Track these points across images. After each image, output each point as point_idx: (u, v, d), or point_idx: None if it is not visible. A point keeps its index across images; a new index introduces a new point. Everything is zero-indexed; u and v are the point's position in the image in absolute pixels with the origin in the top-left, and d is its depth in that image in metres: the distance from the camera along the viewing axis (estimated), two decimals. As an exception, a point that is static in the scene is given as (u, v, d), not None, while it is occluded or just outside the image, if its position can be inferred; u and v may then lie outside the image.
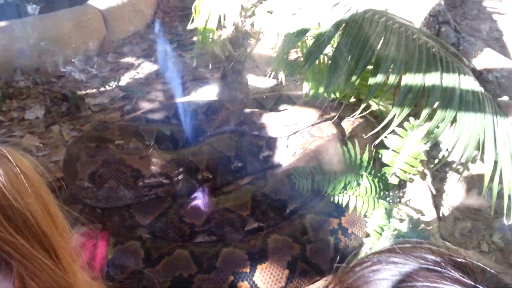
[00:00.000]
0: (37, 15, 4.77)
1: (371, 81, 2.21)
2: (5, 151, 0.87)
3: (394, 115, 2.14)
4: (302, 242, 2.36)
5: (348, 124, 3.14)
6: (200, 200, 2.47)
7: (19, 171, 0.85)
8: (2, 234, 0.79)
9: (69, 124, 3.79)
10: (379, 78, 2.18)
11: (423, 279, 0.61)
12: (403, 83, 2.17)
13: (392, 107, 3.07)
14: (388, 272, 0.65)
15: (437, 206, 2.67)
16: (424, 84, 2.16)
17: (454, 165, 2.99)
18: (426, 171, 2.71)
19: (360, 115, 3.03)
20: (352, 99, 3.32)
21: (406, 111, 2.10)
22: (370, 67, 2.59)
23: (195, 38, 5.30)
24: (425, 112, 2.08)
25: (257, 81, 4.34)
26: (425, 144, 2.25)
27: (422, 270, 0.63)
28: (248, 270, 2.26)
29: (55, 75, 4.56)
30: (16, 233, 0.81)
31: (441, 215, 2.65)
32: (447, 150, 2.76)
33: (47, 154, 3.41)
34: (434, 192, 2.70)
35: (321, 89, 3.32)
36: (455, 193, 2.79)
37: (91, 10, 4.97)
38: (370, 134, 2.49)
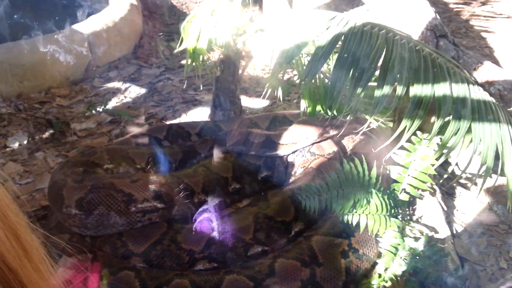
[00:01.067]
0: (18, 40, 4.61)
1: (377, 93, 2.11)
2: None
3: (404, 128, 2.03)
4: (311, 266, 2.20)
5: (349, 141, 3.02)
6: (200, 223, 2.30)
7: None
8: None
9: (54, 151, 3.60)
10: (386, 89, 2.08)
11: None
12: (411, 94, 2.07)
13: (393, 123, 3.00)
14: None
15: (449, 222, 2.54)
16: (434, 95, 2.06)
17: (462, 180, 2.89)
18: (435, 187, 2.60)
19: (359, 132, 2.94)
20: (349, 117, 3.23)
21: (416, 123, 1.99)
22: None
23: (182, 62, 5.23)
24: (437, 124, 1.97)
25: (249, 102, 4.23)
26: (436, 160, 2.13)
27: None
28: (254, 299, 2.09)
29: (38, 101, 4.38)
30: None
31: (454, 232, 2.52)
32: (456, 164, 2.67)
33: (31, 182, 3.21)
34: (445, 208, 2.58)
35: (318, 107, 3.22)
36: (466, 209, 2.67)
37: (75, 34, 4.84)
38: (378, 149, 2.37)
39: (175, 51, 4.88)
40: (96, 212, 2.39)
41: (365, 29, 2.46)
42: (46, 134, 3.79)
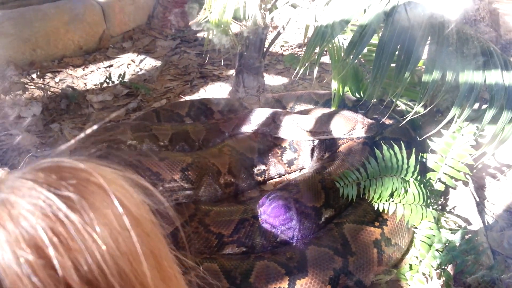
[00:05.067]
0: (30, 6, 4.44)
1: (425, 78, 2.00)
2: (96, 175, 0.53)
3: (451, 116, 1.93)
4: (344, 254, 2.13)
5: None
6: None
7: (124, 213, 0.53)
8: None
9: (69, 122, 3.50)
10: (436, 74, 1.97)
11: None
12: (461, 80, 1.97)
13: (424, 108, 2.90)
14: None
15: (481, 214, 2.47)
16: (485, 82, 1.96)
17: (491, 170, 2.82)
18: (468, 177, 2.51)
19: (388, 116, 2.84)
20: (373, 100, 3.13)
21: (467, 111, 1.89)
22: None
23: (199, 35, 5.07)
24: (489, 114, 1.88)
25: (269, 79, 4.11)
26: (494, 149, 2.04)
27: None
28: (286, 286, 2.02)
29: (51, 70, 4.26)
30: None
31: (486, 223, 2.46)
32: (493, 154, 2.59)
33: (48, 155, 3.11)
34: (478, 199, 2.51)
35: (346, 88, 3.12)
36: (497, 200, 2.60)
37: (90, 2, 4.68)
38: (423, 138, 2.28)
39: (191, 23, 4.74)
40: (120, 190, 2.31)
41: (409, 8, 2.34)
42: (61, 105, 3.68)
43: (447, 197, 2.48)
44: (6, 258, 0.45)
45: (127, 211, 0.53)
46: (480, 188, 2.71)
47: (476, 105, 2.72)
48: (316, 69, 2.53)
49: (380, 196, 2.14)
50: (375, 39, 2.53)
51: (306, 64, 2.65)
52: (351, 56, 2.21)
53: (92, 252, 0.48)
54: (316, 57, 2.55)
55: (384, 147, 2.22)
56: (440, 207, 2.42)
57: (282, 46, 4.73)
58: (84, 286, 0.48)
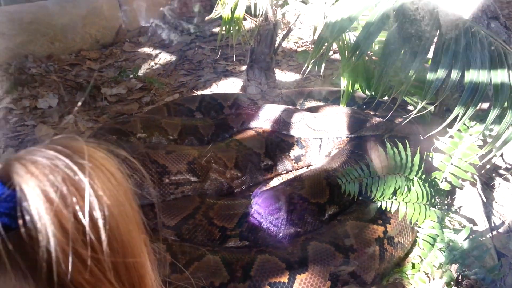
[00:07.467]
0: (49, 0, 4.54)
1: (430, 76, 1.99)
2: (94, 151, 0.65)
3: (457, 114, 1.92)
4: (345, 251, 2.14)
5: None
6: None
7: (118, 184, 0.65)
8: None
9: (84, 115, 3.57)
10: (440, 73, 1.96)
11: None
12: (466, 79, 1.95)
13: (435, 107, 2.88)
14: None
15: (487, 215, 2.45)
16: (490, 82, 1.94)
17: (501, 171, 2.78)
18: (476, 177, 2.49)
19: (396, 114, 2.83)
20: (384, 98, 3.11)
21: (471, 111, 1.88)
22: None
23: (214, 30, 5.11)
24: (493, 113, 1.86)
25: (281, 76, 4.12)
26: (498, 150, 2.02)
27: None
28: (286, 281, 2.04)
29: (68, 63, 4.35)
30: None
31: (492, 225, 2.43)
32: (501, 155, 2.56)
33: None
34: (485, 200, 2.48)
35: (356, 85, 3.11)
36: (505, 201, 2.57)
37: (107, -4, 4.75)
38: (428, 135, 2.27)
39: (207, 18, 4.77)
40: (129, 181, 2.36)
41: (418, 6, 2.33)
42: (77, 98, 3.76)
43: (453, 197, 2.47)
44: (39, 205, 0.56)
45: (119, 183, 0.66)
46: (488, 189, 2.68)
47: (486, 105, 2.69)
48: (323, 66, 2.53)
49: (382, 194, 2.14)
50: (384, 36, 2.52)
51: (314, 60, 2.66)
52: (358, 53, 2.21)
53: (99, 205, 0.60)
54: (325, 53, 2.56)
55: (388, 145, 2.22)
56: (446, 206, 2.41)
57: (296, 42, 4.73)
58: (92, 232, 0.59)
